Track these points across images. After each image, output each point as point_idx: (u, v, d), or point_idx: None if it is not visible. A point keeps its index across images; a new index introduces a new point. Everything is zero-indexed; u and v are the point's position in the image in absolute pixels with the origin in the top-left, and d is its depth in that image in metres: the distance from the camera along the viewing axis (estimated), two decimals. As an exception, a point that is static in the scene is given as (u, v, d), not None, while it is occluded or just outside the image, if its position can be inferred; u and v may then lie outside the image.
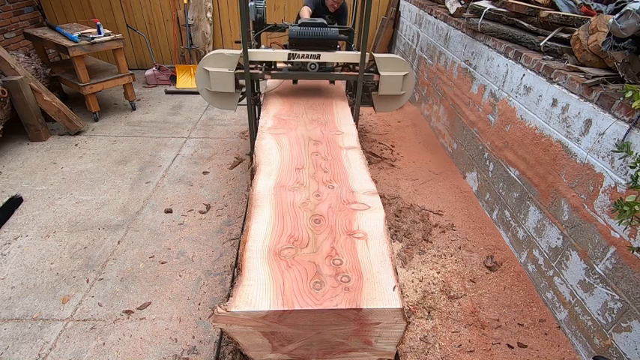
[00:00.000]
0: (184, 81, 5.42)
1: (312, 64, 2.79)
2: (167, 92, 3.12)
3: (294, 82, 3.17)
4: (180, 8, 5.43)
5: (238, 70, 2.76)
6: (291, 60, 2.74)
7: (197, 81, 2.87)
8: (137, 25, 5.58)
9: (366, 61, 2.77)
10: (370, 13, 2.55)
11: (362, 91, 2.90)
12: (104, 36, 4.13)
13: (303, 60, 2.75)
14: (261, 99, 3.06)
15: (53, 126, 4.10)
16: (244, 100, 2.95)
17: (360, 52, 2.72)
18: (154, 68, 5.45)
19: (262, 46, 3.15)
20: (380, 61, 2.84)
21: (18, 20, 4.81)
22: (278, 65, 2.97)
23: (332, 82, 3.25)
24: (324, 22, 2.77)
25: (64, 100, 4.22)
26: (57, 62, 4.79)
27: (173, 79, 5.47)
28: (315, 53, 2.72)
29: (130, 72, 4.48)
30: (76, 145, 3.84)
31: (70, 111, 3.96)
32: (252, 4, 3.16)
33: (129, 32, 5.58)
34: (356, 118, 2.91)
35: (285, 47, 2.82)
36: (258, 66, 2.85)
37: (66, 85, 4.42)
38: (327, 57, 2.76)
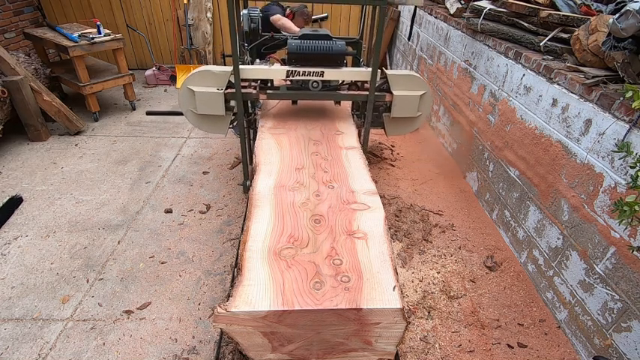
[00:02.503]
0: (184, 81, 5.42)
1: (315, 82, 2.44)
2: (148, 113, 2.82)
3: (294, 102, 2.80)
4: (180, 8, 5.43)
5: (229, 90, 2.40)
6: (291, 78, 2.40)
7: (181, 102, 2.46)
8: (137, 25, 5.58)
9: (378, 78, 2.41)
10: (384, 24, 2.21)
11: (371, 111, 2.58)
12: (104, 36, 4.13)
13: (304, 78, 2.39)
14: (258, 119, 2.70)
15: (53, 126, 4.10)
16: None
17: (370, 69, 2.37)
18: (154, 68, 5.46)
19: (257, 60, 2.78)
20: (393, 78, 2.47)
21: (18, 20, 4.81)
22: (275, 83, 2.60)
23: (337, 102, 2.85)
24: (329, 33, 2.43)
25: (64, 100, 4.22)
26: (57, 62, 4.79)
27: (173, 79, 5.47)
28: (318, 70, 2.36)
29: (130, 72, 4.48)
30: (76, 145, 3.84)
31: (70, 111, 3.96)
32: (246, 12, 2.87)
33: (129, 32, 5.58)
34: (365, 143, 2.57)
35: (283, 62, 2.46)
36: (252, 84, 2.49)
37: (66, 85, 4.41)
38: (331, 74, 2.40)
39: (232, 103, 2.47)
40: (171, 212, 2.94)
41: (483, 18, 3.01)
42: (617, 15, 1.75)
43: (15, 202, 2.93)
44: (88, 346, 1.96)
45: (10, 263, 2.43)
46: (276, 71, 2.40)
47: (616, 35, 1.79)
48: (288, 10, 3.71)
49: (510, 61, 2.72)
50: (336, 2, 2.49)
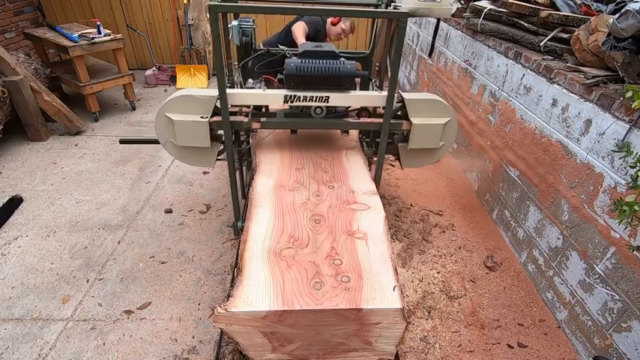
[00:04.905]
0: (184, 81, 5.43)
1: (319, 107, 2.04)
2: (122, 142, 2.59)
3: (293, 131, 2.36)
4: (180, 8, 5.43)
5: (215, 118, 2.00)
6: (289, 103, 2.00)
7: (158, 131, 2.06)
8: (137, 25, 5.58)
9: (394, 103, 2.02)
10: (403, 40, 1.83)
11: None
12: (104, 36, 4.13)
13: (305, 104, 2.01)
14: (252, 148, 2.36)
15: (53, 126, 4.10)
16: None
17: (384, 93, 2.00)
18: (153, 68, 5.46)
19: (249, 81, 2.31)
20: (411, 103, 2.07)
21: (18, 20, 4.81)
22: (271, 108, 2.20)
23: (345, 131, 2.35)
24: (334, 49, 2.04)
25: (64, 100, 4.21)
26: (57, 62, 4.79)
27: (173, 79, 5.48)
28: (323, 95, 1.96)
29: (130, 72, 4.48)
30: (76, 145, 3.84)
31: (70, 111, 3.96)
32: (236, 23, 2.50)
33: (129, 32, 5.58)
34: (378, 179, 2.17)
35: (280, 83, 2.06)
36: (244, 109, 2.13)
37: (66, 85, 4.42)
38: (338, 99, 1.99)
39: (221, 131, 2.08)
40: (171, 212, 2.94)
41: (483, 18, 3.01)
42: (617, 15, 1.75)
43: (15, 202, 2.93)
44: (88, 346, 1.96)
45: (10, 263, 2.43)
46: (271, 96, 2.00)
47: (616, 35, 1.79)
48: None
49: (510, 61, 2.72)
50: (352, 15, 2.11)
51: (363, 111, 2.17)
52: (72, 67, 4.04)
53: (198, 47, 5.54)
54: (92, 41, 3.97)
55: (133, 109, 4.66)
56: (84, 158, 3.61)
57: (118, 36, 4.23)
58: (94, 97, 4.21)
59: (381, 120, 2.06)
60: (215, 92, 1.94)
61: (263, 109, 2.15)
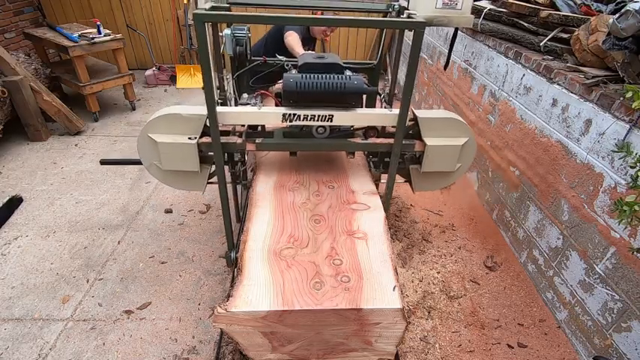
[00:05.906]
0: (184, 81, 5.43)
1: (321, 127, 1.82)
2: (102, 162, 2.42)
3: (292, 152, 2.05)
4: (180, 8, 5.43)
5: (204, 139, 1.77)
6: (288, 122, 1.74)
7: (141, 153, 1.84)
8: (137, 25, 5.58)
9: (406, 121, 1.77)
10: (419, 55, 1.58)
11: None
12: (104, 36, 4.13)
13: (305, 123, 1.76)
14: (249, 173, 2.14)
15: (53, 126, 4.09)
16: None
17: (395, 111, 1.74)
18: (153, 68, 5.46)
19: (244, 96, 2.04)
20: (425, 122, 1.84)
21: (18, 20, 4.81)
22: (268, 127, 1.93)
23: (351, 153, 2.08)
24: (339, 61, 1.80)
25: (64, 100, 4.21)
26: (57, 62, 4.79)
27: (173, 79, 5.48)
28: (326, 113, 1.71)
29: (130, 72, 4.48)
30: (76, 145, 3.84)
31: (70, 111, 3.96)
32: (229, 32, 2.27)
33: (129, 32, 5.58)
34: (387, 203, 1.95)
35: (278, 98, 1.83)
36: (238, 128, 1.90)
37: (66, 85, 4.42)
38: (343, 118, 1.74)
39: (212, 152, 1.84)
40: (171, 212, 2.94)
41: (483, 18, 3.01)
42: (617, 15, 1.75)
43: (15, 202, 2.93)
44: (88, 346, 1.96)
45: (10, 263, 2.43)
46: (267, 115, 1.74)
47: (616, 35, 1.79)
48: None
49: (510, 61, 2.72)
50: (362, 26, 1.87)
51: (370, 130, 1.91)
52: (72, 67, 4.04)
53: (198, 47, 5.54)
54: (92, 41, 3.97)
55: (133, 109, 4.66)
56: (84, 158, 3.61)
57: (118, 36, 4.23)
58: (94, 97, 4.21)
59: (391, 141, 1.81)
60: (205, 110, 1.69)
61: (259, 128, 1.92)
